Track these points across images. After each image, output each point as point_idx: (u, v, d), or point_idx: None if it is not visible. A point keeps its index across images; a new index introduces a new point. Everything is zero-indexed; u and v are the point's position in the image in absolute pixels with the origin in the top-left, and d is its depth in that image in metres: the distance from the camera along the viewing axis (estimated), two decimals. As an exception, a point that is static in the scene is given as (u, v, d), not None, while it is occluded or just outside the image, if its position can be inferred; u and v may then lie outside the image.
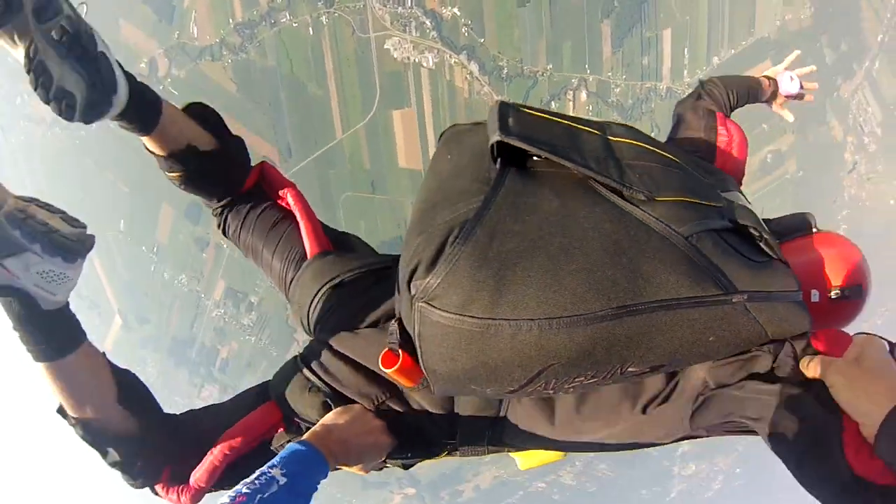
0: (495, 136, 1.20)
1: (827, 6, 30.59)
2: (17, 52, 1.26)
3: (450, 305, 1.10)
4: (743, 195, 1.60)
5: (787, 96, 2.39)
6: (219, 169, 1.83)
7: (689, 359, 1.24)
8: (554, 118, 1.37)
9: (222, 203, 1.93)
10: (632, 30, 29.02)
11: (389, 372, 1.36)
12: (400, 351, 1.32)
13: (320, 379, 1.59)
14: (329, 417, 1.51)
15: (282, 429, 1.71)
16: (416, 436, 1.57)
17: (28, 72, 1.27)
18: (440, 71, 30.05)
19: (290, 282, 1.84)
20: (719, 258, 1.17)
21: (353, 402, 1.56)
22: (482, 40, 29.55)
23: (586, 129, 1.38)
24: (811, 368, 1.19)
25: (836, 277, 1.67)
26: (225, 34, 31.29)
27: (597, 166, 1.22)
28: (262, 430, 1.68)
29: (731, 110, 2.16)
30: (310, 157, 33.62)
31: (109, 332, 49.31)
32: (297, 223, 1.90)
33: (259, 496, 1.20)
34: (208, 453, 1.63)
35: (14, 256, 1.30)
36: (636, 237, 1.13)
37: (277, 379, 1.73)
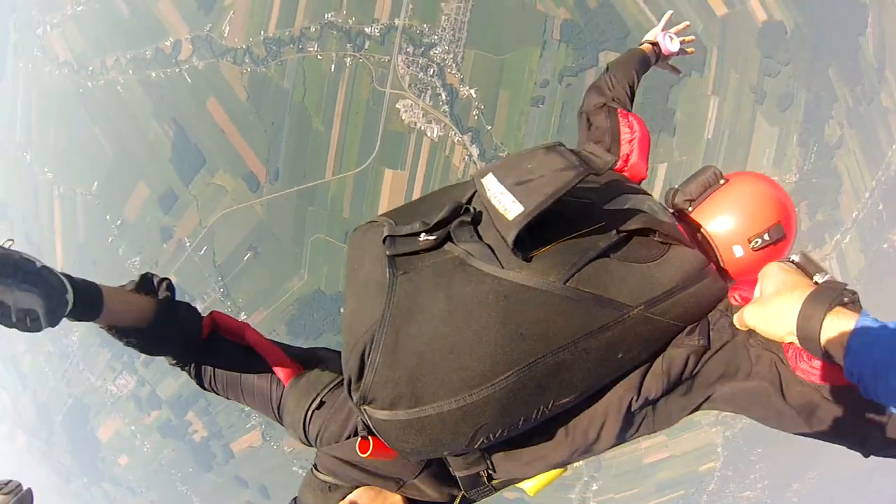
0: (386, 252, 1.39)
1: (812, 175, 32.58)
2: None
3: (383, 405, 1.25)
4: (639, 190, 1.65)
5: (669, 54, 2.51)
6: (171, 331, 1.86)
7: (606, 377, 1.30)
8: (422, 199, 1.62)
9: (185, 360, 1.97)
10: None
11: (366, 456, 1.47)
12: (370, 438, 1.46)
13: (335, 474, 1.69)
14: (356, 494, 1.62)
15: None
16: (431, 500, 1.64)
17: None
18: (442, 144, 31.06)
19: (278, 412, 1.94)
20: (605, 284, 1.25)
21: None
22: (489, 127, 30.74)
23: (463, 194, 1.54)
24: (738, 323, 1.24)
25: (753, 225, 1.68)
26: (252, 43, 32.24)
27: (465, 245, 1.35)
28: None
29: (634, 95, 2.25)
30: (294, 187, 34.46)
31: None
32: (259, 359, 1.97)
33: None
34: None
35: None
36: (519, 300, 1.22)
37: (302, 488, 1.82)
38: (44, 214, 46.45)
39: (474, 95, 30.31)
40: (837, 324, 0.96)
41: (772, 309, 1.10)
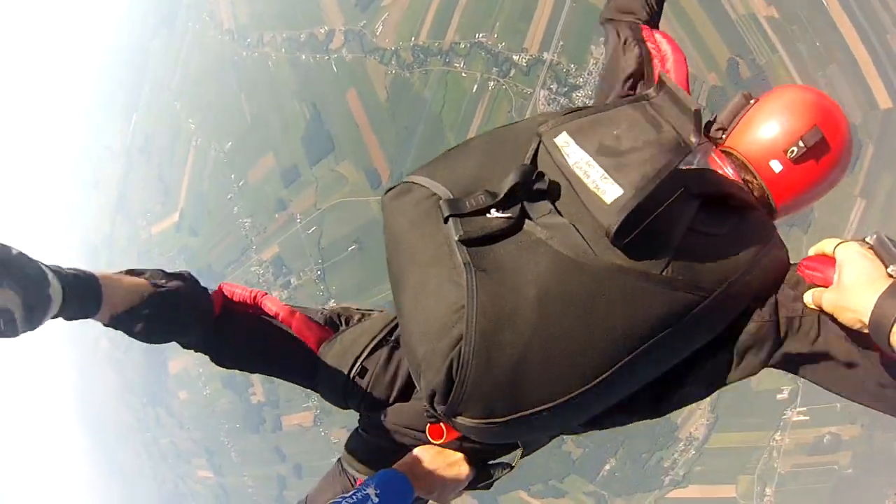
0: (457, 238, 1.22)
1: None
2: None
3: (475, 415, 1.19)
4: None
5: None
6: (176, 309, 1.65)
7: (683, 354, 1.29)
8: None
9: (200, 342, 1.78)
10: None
11: (439, 443, 1.51)
12: (443, 426, 1.47)
13: (390, 441, 1.66)
14: (418, 451, 1.62)
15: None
16: (489, 457, 1.62)
17: None
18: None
19: (313, 381, 1.83)
20: (694, 268, 1.21)
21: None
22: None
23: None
24: (813, 304, 1.26)
25: (786, 133, 1.51)
26: (401, 47, 33.48)
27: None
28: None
29: (658, 6, 1.89)
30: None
31: (162, 222, 53.08)
32: (280, 328, 1.82)
33: None
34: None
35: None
36: (616, 295, 1.15)
37: (353, 447, 1.81)
38: (178, 158, 51.05)
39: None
40: None
41: (848, 300, 1.15)
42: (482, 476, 1.65)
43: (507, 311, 1.15)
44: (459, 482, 1.60)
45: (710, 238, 1.27)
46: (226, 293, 1.82)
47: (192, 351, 1.81)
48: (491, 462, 1.64)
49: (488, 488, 1.69)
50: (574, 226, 1.21)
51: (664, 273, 1.18)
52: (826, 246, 1.30)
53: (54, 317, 1.35)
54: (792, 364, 1.34)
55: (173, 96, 52.85)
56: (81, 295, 1.39)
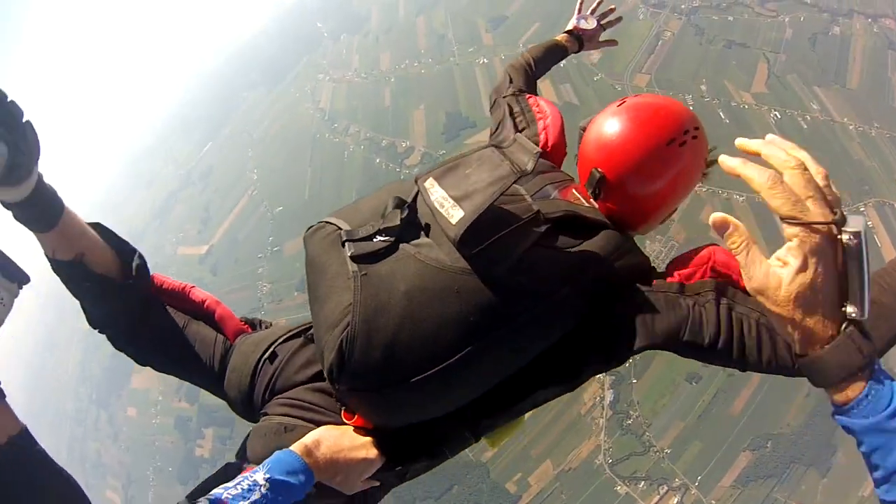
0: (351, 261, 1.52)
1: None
2: None
3: (365, 386, 1.45)
4: (565, 178, 1.84)
5: (589, 32, 2.69)
6: (128, 277, 1.82)
7: (542, 344, 1.53)
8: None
9: (124, 318, 1.88)
10: (765, 479, 28.69)
11: (350, 423, 1.61)
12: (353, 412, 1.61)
13: (294, 417, 1.68)
14: (319, 431, 1.56)
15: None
16: (405, 445, 1.65)
17: None
18: None
19: (219, 366, 1.91)
20: (537, 272, 1.47)
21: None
22: (635, 380, 30.20)
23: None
24: (752, 289, 1.02)
25: (582, 176, 1.76)
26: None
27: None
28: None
29: (536, 77, 2.48)
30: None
31: (191, 248, 55.46)
32: (200, 323, 1.98)
33: (240, 502, 1.23)
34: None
35: None
36: (466, 290, 1.43)
37: (244, 445, 1.76)
38: (230, 199, 54.32)
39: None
40: (848, 388, 0.95)
41: (795, 321, 0.96)
42: (392, 466, 1.63)
43: (383, 302, 1.43)
44: (366, 465, 1.55)
45: (557, 251, 1.53)
46: (156, 281, 1.98)
47: (105, 333, 1.90)
48: (405, 454, 1.67)
49: (400, 480, 1.75)
50: (436, 244, 1.52)
51: (508, 275, 1.45)
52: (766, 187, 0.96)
53: (9, 205, 1.48)
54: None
55: (250, 143, 57.49)
56: (46, 199, 1.53)
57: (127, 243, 1.89)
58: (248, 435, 1.76)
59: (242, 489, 1.26)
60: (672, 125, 1.61)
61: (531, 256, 1.49)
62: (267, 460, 1.39)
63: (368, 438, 1.59)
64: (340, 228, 1.62)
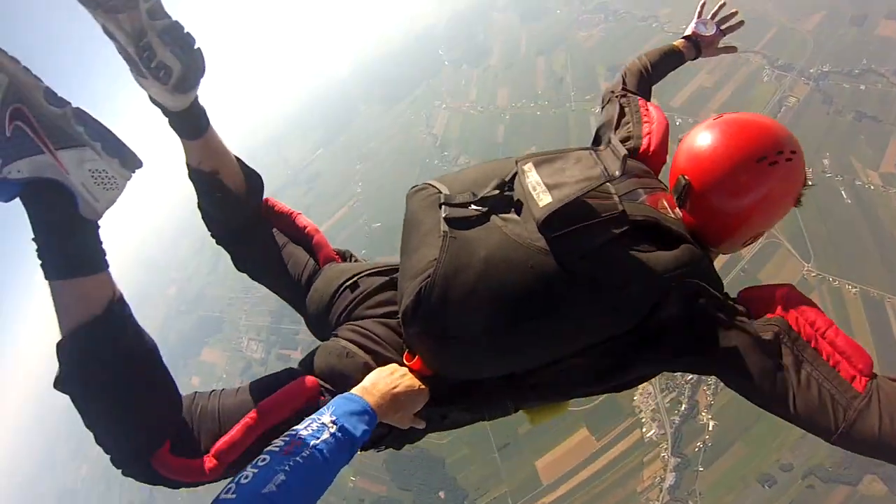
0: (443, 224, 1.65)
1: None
2: (119, 33, 1.52)
3: (434, 331, 1.59)
4: (657, 186, 1.86)
5: (708, 37, 2.64)
6: (245, 199, 2.07)
7: (602, 331, 1.61)
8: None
9: (238, 228, 2.14)
10: None
11: (409, 364, 1.72)
12: (415, 354, 1.72)
13: (358, 345, 1.82)
14: (372, 375, 1.67)
15: (321, 398, 1.78)
16: (450, 392, 1.75)
17: (136, 47, 1.53)
18: (647, 449, 29.72)
19: (307, 283, 2.12)
20: (608, 266, 1.56)
21: (390, 362, 1.77)
22: (702, 468, 28.35)
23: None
24: None
25: (672, 182, 1.84)
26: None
27: None
28: (298, 404, 1.76)
29: (651, 82, 2.50)
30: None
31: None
32: (297, 246, 2.21)
33: (312, 441, 1.29)
34: (237, 423, 1.70)
35: (72, 149, 1.41)
36: (538, 267, 1.53)
37: (311, 356, 1.91)
38: (330, 207, 57.36)
39: (710, 427, 28.59)
40: None
41: None
42: (438, 405, 1.74)
43: (464, 263, 1.55)
44: (417, 399, 1.65)
45: (633, 251, 1.58)
46: (269, 203, 2.24)
47: (222, 242, 2.15)
48: (448, 399, 1.78)
49: (441, 424, 1.84)
50: (523, 221, 1.61)
51: (581, 262, 1.53)
52: None
53: (171, 113, 1.75)
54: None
55: (360, 157, 60.56)
56: (202, 116, 1.81)
57: (253, 171, 2.13)
58: (315, 350, 1.93)
59: (312, 430, 1.33)
60: (766, 142, 1.66)
61: (607, 250, 1.56)
62: (332, 402, 1.49)
63: (416, 378, 1.70)
64: (441, 192, 1.75)
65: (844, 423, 1.38)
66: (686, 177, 1.76)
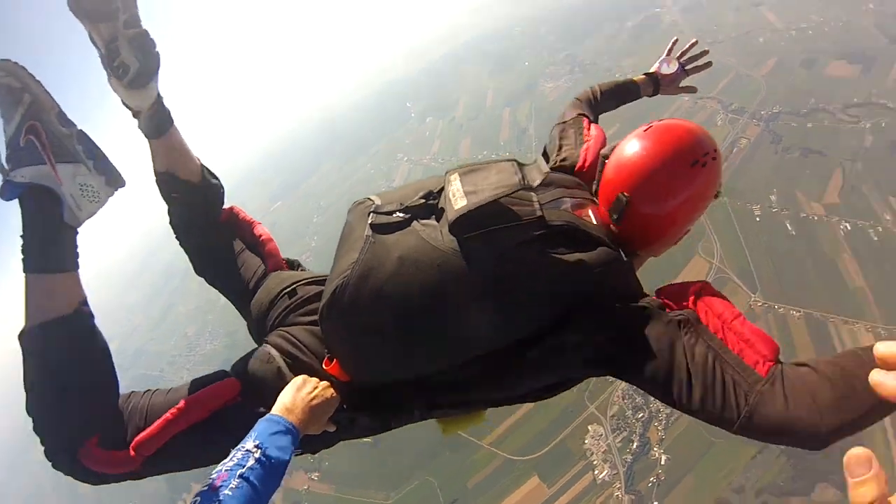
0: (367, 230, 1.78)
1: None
2: (97, 37, 1.76)
3: (348, 323, 1.69)
4: (585, 198, 1.97)
5: (669, 76, 2.73)
6: (202, 197, 2.26)
7: (519, 327, 1.67)
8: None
9: (198, 230, 2.31)
10: None
11: (327, 369, 1.82)
12: (332, 358, 1.82)
13: (281, 350, 1.91)
14: (287, 390, 1.71)
15: (239, 400, 1.87)
16: (359, 396, 1.84)
17: (107, 49, 1.76)
18: (599, 490, 29.10)
19: (254, 288, 2.23)
20: (523, 266, 1.64)
21: (308, 370, 1.86)
22: (654, 503, 27.86)
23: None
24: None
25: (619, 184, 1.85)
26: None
27: None
28: (217, 403, 1.85)
29: (600, 108, 2.65)
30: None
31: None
32: (252, 254, 2.35)
33: (238, 470, 1.32)
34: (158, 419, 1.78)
35: (69, 164, 1.74)
36: (447, 267, 1.61)
37: (239, 360, 2.01)
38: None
39: (663, 462, 28.43)
40: None
41: None
42: (348, 410, 1.84)
43: (380, 262, 1.67)
44: (329, 404, 1.73)
45: (547, 252, 1.67)
46: (234, 210, 2.44)
47: (178, 236, 2.32)
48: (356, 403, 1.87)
49: (349, 431, 1.91)
50: (440, 226, 1.73)
51: (491, 262, 1.62)
52: None
53: (137, 113, 1.97)
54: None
55: (317, 210, 61.61)
56: (160, 114, 2.00)
57: (216, 178, 2.35)
58: (254, 355, 2.00)
59: (237, 459, 1.38)
60: (695, 147, 1.76)
61: (521, 251, 1.65)
62: (253, 429, 1.53)
63: (328, 384, 1.78)
64: (374, 203, 1.90)
65: (747, 406, 1.40)
66: (626, 194, 1.81)
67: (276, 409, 1.63)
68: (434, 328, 1.63)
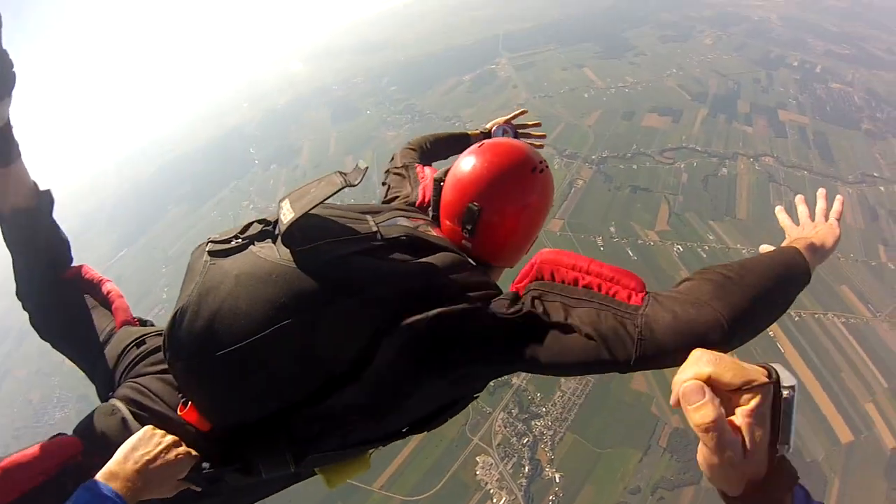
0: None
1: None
2: None
3: (188, 355, 1.57)
4: (420, 218, 2.07)
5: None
6: (42, 231, 2.21)
7: (355, 339, 1.58)
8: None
9: (40, 282, 2.24)
10: None
11: (181, 414, 1.66)
12: (187, 402, 1.67)
13: (129, 400, 1.75)
14: (123, 448, 1.52)
15: (80, 459, 1.65)
16: (221, 449, 1.65)
17: None
18: None
19: (103, 346, 2.07)
20: (356, 274, 1.59)
21: (160, 418, 1.68)
22: None
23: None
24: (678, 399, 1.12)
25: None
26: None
27: None
28: (49, 464, 1.61)
29: (431, 156, 2.83)
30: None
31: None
32: (101, 313, 2.22)
33: None
34: None
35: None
36: (281, 277, 1.56)
37: (84, 419, 1.79)
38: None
39: (557, 480, 29.66)
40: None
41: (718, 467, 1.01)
42: (212, 467, 1.63)
43: (217, 283, 1.60)
44: (179, 463, 1.55)
45: (384, 259, 1.69)
46: (83, 269, 2.36)
47: (22, 296, 2.24)
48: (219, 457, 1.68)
49: (217, 489, 1.71)
50: (276, 246, 1.68)
51: (326, 269, 1.59)
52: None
53: None
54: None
55: (164, 260, 57.90)
56: (12, 143, 1.94)
57: (61, 233, 2.31)
58: (97, 410, 1.82)
59: None
60: (530, 156, 1.93)
61: (356, 260, 1.64)
62: (72, 496, 1.36)
63: (176, 438, 1.61)
64: (212, 237, 1.85)
65: (638, 333, 1.40)
66: (476, 204, 1.88)
67: (101, 473, 1.45)
68: (280, 347, 1.52)
